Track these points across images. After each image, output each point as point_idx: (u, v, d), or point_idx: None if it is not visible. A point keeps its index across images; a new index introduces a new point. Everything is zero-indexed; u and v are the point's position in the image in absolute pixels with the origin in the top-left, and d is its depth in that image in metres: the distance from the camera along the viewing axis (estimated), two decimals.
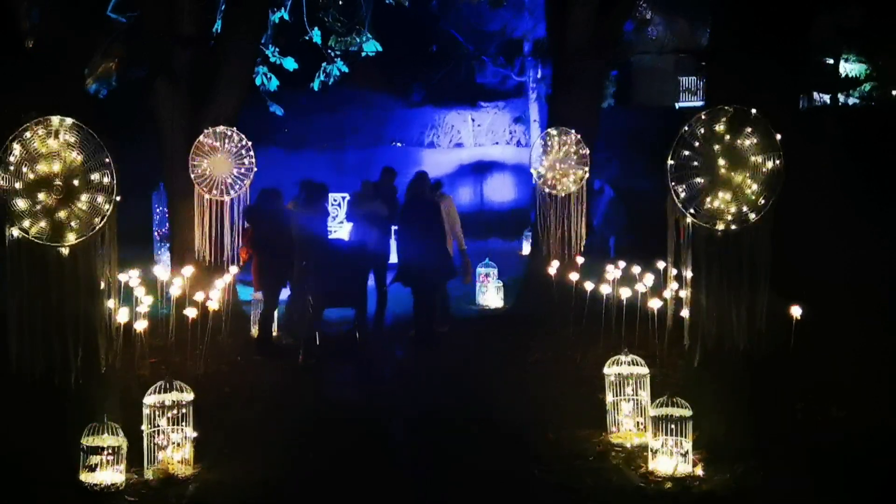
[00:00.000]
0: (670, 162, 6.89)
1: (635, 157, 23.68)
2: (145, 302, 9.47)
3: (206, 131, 11.95)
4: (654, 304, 8.66)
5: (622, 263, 12.05)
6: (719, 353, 7.08)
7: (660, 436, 6.43)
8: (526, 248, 21.58)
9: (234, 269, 11.69)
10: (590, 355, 10.17)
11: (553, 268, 12.05)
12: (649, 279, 10.76)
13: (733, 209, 6.91)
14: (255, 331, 11.37)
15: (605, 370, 7.23)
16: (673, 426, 6.37)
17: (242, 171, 12.06)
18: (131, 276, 10.64)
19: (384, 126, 28.29)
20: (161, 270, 10.87)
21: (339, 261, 10.55)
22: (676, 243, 7.11)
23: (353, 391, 9.35)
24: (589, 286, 10.50)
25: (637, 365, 7.16)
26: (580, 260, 12.60)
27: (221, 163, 11.97)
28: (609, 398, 7.23)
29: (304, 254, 10.54)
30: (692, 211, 6.95)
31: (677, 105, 30.44)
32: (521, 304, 13.87)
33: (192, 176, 11.88)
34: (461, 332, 12.12)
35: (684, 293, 7.59)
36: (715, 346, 7.09)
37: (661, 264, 11.73)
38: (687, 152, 6.91)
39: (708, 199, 6.93)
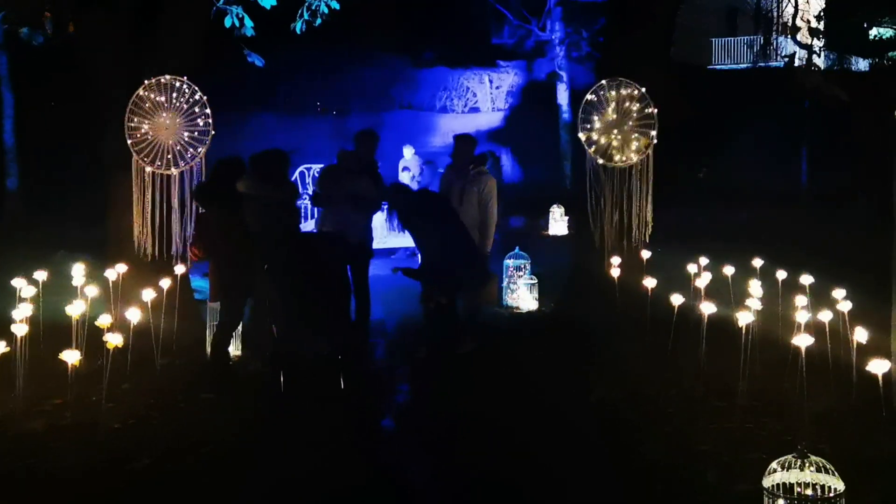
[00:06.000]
0: None
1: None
2: (17, 331, 6.37)
3: (145, 82, 8.93)
4: (802, 341, 5.55)
5: (704, 260, 9.04)
6: None
7: None
8: (553, 228, 18.77)
9: (180, 269, 8.66)
10: (674, 394, 7.20)
11: (615, 266, 9.04)
12: (756, 289, 7.73)
13: None
14: (209, 351, 8.30)
15: (765, 481, 4.12)
16: None
17: (196, 134, 9.04)
18: (25, 283, 7.62)
19: (393, 88, 25.15)
20: (78, 271, 7.83)
21: (313, 268, 7.07)
22: None
23: (332, 470, 6.03)
24: (677, 299, 7.45)
25: (824, 472, 4.05)
26: (645, 254, 9.57)
27: (167, 125, 8.96)
28: None
29: (264, 253, 7.22)
30: None
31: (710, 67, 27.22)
32: (563, 306, 10.81)
33: (130, 142, 8.89)
34: (487, 348, 8.98)
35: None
36: None
37: (757, 262, 8.81)
38: None
39: None
